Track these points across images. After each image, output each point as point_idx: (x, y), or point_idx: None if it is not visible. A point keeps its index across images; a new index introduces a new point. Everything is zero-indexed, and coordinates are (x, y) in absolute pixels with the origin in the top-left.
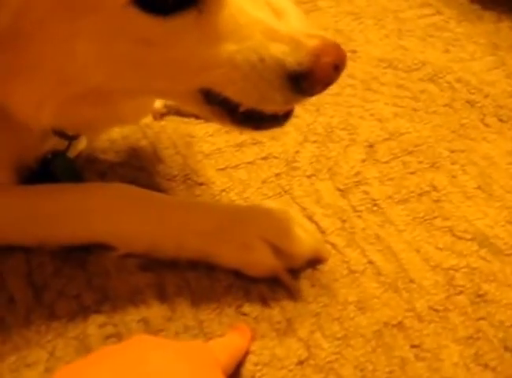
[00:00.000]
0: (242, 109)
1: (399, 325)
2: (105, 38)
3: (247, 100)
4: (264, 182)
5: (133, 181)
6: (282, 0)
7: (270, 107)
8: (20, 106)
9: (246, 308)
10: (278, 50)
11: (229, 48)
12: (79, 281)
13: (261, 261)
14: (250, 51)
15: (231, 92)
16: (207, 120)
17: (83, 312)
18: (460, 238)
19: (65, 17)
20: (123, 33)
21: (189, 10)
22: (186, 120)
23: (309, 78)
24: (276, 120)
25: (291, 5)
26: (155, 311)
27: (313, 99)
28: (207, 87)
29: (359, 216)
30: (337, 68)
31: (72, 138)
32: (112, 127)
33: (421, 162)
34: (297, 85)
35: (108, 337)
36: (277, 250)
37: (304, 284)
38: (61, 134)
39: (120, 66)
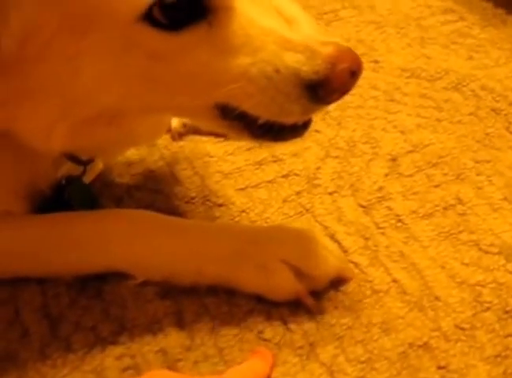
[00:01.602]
0: (260, 121)
1: (425, 346)
2: (114, 55)
3: (265, 113)
4: (285, 201)
5: (150, 205)
6: (292, 7)
7: (289, 118)
8: (29, 132)
9: (268, 333)
10: (293, 60)
11: (243, 61)
12: (95, 312)
13: (283, 284)
14: (264, 63)
15: (249, 106)
16: (226, 137)
17: (99, 344)
18: (486, 252)
19: (72, 37)
20: (133, 49)
21: (199, 24)
22: (204, 138)
23: (326, 86)
24: (296, 130)
25: (300, 11)
26: (174, 340)
27: (335, 113)
28: (223, 101)
29: (382, 233)
30: (354, 74)
31: (86, 163)
32: (127, 149)
33: (445, 174)
34: (314, 94)
35: (125, 369)
36: (299, 273)
37: (326, 306)
38: (74, 159)
39: (131, 83)
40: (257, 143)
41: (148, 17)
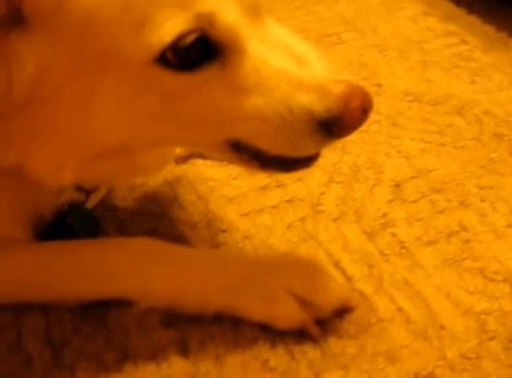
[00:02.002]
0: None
1: (430, 375)
2: (127, 95)
3: (279, 149)
4: (289, 226)
5: (153, 229)
6: (301, 44)
7: (302, 153)
8: (39, 169)
9: (273, 362)
10: (305, 99)
11: (257, 101)
12: (99, 339)
13: (288, 314)
14: (278, 103)
15: (262, 143)
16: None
17: (103, 372)
18: (491, 279)
19: (85, 79)
20: (146, 89)
21: (212, 64)
22: (208, 162)
23: (339, 123)
24: (305, 161)
25: (310, 48)
26: (178, 369)
27: None
28: (236, 138)
29: (387, 261)
30: (365, 111)
31: (90, 191)
32: (134, 178)
33: (449, 200)
34: (327, 130)
35: None
36: (304, 302)
37: (331, 335)
38: (79, 187)
39: (143, 122)
40: (266, 173)
41: (161, 59)
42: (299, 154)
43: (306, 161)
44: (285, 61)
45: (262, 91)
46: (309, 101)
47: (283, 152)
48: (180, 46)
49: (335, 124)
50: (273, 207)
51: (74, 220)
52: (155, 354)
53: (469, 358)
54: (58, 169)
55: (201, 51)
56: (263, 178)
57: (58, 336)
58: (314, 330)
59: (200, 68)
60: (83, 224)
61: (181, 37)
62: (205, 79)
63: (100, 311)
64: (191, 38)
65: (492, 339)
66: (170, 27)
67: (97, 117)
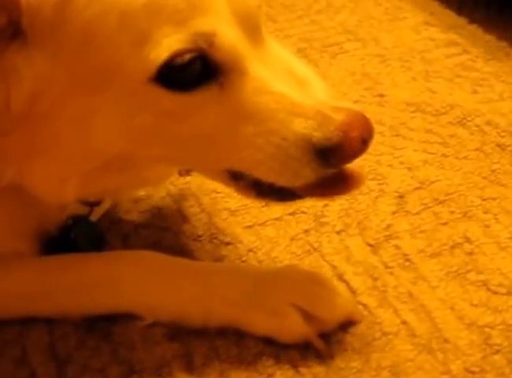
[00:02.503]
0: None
1: None
2: (124, 113)
3: (278, 179)
4: (292, 239)
5: (157, 242)
6: (304, 68)
7: (301, 183)
8: (40, 186)
9: (278, 377)
10: (303, 126)
11: (249, 130)
12: (103, 353)
13: (292, 327)
14: (270, 133)
15: (261, 173)
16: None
17: None
18: (495, 292)
19: (82, 96)
20: (143, 108)
21: (210, 85)
22: None
23: (337, 152)
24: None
25: (313, 73)
26: None
27: None
28: (235, 168)
29: (391, 273)
30: (365, 141)
31: (94, 205)
32: (136, 190)
33: (452, 212)
34: (325, 158)
35: None
36: (308, 315)
37: (336, 349)
38: (83, 201)
39: (141, 138)
40: (264, 202)
41: (158, 78)
42: (297, 184)
43: (306, 189)
44: (286, 85)
45: (256, 120)
46: (307, 127)
47: (282, 182)
48: (177, 65)
49: (333, 153)
50: (277, 219)
51: (78, 234)
52: (160, 369)
53: (474, 372)
54: (60, 185)
55: (199, 71)
56: None
57: (63, 350)
58: (319, 344)
59: (198, 89)
60: (87, 237)
61: (177, 55)
62: (202, 100)
63: (105, 325)
64: (188, 57)
65: (497, 352)
66: (166, 44)
67: (96, 132)
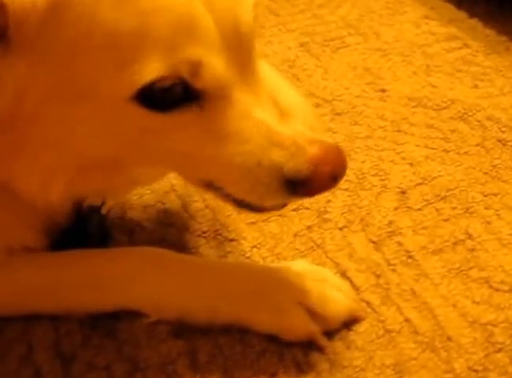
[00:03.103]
0: None
1: None
2: (104, 125)
3: (247, 198)
4: (295, 235)
5: (162, 238)
6: (291, 96)
7: (269, 204)
8: (26, 187)
9: (281, 375)
10: (277, 155)
11: (229, 150)
12: (108, 351)
13: (297, 325)
14: (248, 155)
15: (232, 190)
16: None
17: None
18: (497, 290)
19: (63, 105)
20: (123, 123)
21: (191, 107)
22: None
23: (305, 185)
24: (276, 206)
25: (301, 101)
26: None
27: (344, 143)
28: (209, 179)
29: (394, 270)
30: (335, 178)
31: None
32: (127, 191)
33: (454, 208)
34: (293, 188)
35: None
36: (312, 313)
37: (339, 347)
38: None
39: (122, 146)
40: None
41: (138, 97)
42: (264, 204)
43: (276, 206)
44: (268, 113)
45: (237, 142)
46: (280, 156)
47: (251, 201)
48: (157, 88)
49: (301, 185)
50: (280, 216)
51: (90, 226)
52: (165, 367)
53: (477, 371)
54: (46, 187)
55: (180, 94)
56: None
57: (68, 348)
58: (323, 341)
59: (178, 110)
60: (97, 230)
61: (159, 81)
62: (182, 120)
63: (109, 322)
64: (169, 82)
65: (499, 351)
66: (149, 70)
67: (80, 138)
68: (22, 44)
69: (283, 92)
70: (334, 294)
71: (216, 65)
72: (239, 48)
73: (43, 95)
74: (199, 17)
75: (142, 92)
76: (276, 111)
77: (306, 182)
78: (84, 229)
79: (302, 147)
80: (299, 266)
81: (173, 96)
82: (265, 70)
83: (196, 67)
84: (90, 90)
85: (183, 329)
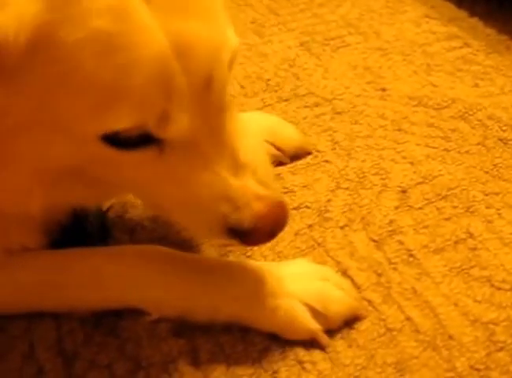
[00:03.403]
0: None
1: None
2: (75, 151)
3: (191, 233)
4: (296, 234)
5: (163, 237)
6: (251, 150)
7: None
8: (4, 198)
9: (283, 373)
10: (224, 206)
11: (179, 194)
12: (110, 349)
13: (299, 323)
14: (197, 202)
15: (179, 222)
16: None
17: None
18: (499, 288)
19: (39, 129)
20: (90, 152)
21: (151, 148)
22: None
23: (245, 236)
24: None
25: (262, 156)
26: None
27: (344, 142)
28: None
29: (395, 269)
30: (272, 234)
31: None
32: (109, 200)
33: (455, 207)
34: (234, 234)
35: None
36: (314, 312)
37: (340, 345)
38: None
39: (93, 169)
40: None
41: (104, 137)
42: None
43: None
44: (224, 167)
45: (189, 188)
46: (226, 209)
47: (193, 234)
48: (122, 134)
49: (241, 235)
50: None
51: (90, 224)
52: (166, 365)
53: (478, 370)
54: (26, 196)
55: (143, 137)
56: None
57: (70, 346)
58: (325, 340)
59: (139, 149)
60: (99, 226)
61: (124, 131)
62: (141, 159)
63: (111, 320)
64: (134, 132)
65: (501, 349)
66: (117, 121)
67: (52, 157)
68: (2, 73)
69: (246, 145)
70: (335, 293)
71: (183, 120)
72: (209, 103)
73: (21, 119)
74: (172, 75)
75: (107, 135)
76: (233, 164)
77: (246, 234)
78: (84, 228)
79: (248, 202)
80: (301, 265)
81: (136, 139)
82: (234, 122)
83: (162, 120)
84: (64, 123)
85: (184, 328)
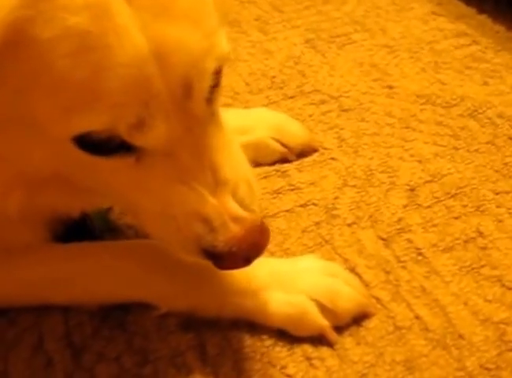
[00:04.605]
0: None
1: None
2: (51, 152)
3: (163, 244)
4: (304, 231)
5: None
6: (237, 166)
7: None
8: None
9: (291, 369)
10: (198, 227)
11: (153, 207)
12: (118, 342)
13: (308, 320)
14: (170, 219)
15: (152, 234)
16: None
17: (123, 375)
18: (509, 288)
19: (17, 127)
20: (66, 154)
21: (126, 156)
22: None
23: (219, 259)
24: None
25: (244, 173)
26: (197, 375)
27: (351, 140)
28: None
29: (403, 267)
30: (248, 260)
31: None
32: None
33: (465, 206)
34: (207, 255)
35: None
36: (322, 308)
37: (349, 342)
38: None
39: (69, 171)
40: None
41: (76, 140)
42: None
43: None
44: (202, 182)
45: (164, 202)
46: (201, 229)
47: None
48: (95, 137)
49: (216, 258)
50: (288, 211)
51: (95, 219)
52: (174, 359)
53: (489, 369)
54: (5, 196)
55: (117, 143)
56: (276, 182)
57: (78, 339)
58: (333, 336)
59: (113, 156)
60: (103, 222)
61: (96, 133)
62: (117, 165)
63: (119, 314)
64: (104, 135)
65: None
66: (87, 122)
67: (29, 157)
68: None
69: (226, 161)
70: (344, 289)
71: (159, 129)
72: (190, 114)
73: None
74: (150, 80)
75: (79, 137)
76: (212, 181)
77: (220, 257)
78: (88, 224)
79: (225, 224)
80: (309, 261)
81: (110, 145)
82: (219, 136)
83: (137, 127)
84: (39, 123)
85: (192, 322)
